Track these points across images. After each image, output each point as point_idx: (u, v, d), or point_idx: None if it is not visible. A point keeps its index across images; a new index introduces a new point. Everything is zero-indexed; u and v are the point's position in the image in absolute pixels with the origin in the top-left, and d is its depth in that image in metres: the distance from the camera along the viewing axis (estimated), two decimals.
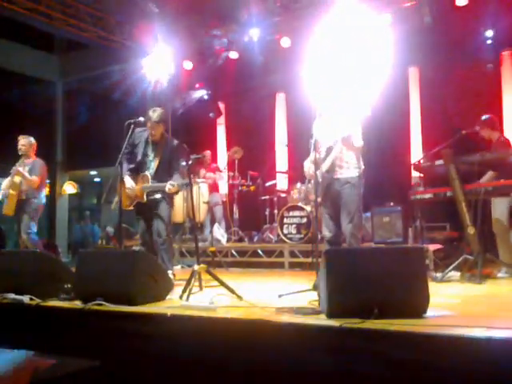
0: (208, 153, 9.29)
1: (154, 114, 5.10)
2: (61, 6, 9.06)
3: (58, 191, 13.81)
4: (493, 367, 2.27)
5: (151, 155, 5.20)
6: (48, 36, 12.01)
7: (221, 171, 9.22)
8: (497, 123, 5.74)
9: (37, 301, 3.75)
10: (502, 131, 5.81)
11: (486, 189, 5.08)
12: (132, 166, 5.22)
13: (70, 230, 14.91)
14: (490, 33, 8.02)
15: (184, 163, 4.63)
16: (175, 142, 5.25)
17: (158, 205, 5.11)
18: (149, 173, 5.14)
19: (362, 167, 4.53)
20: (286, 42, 9.13)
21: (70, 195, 14.45)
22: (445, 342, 2.41)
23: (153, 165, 5.17)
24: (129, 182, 5.11)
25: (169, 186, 4.85)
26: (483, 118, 5.66)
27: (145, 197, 5.07)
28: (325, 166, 4.44)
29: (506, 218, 5.41)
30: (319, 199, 4.33)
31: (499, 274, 5.22)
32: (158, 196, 5.10)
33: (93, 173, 16.10)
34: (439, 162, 5.26)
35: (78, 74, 13.45)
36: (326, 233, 4.57)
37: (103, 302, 3.48)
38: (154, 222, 5.12)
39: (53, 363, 2.63)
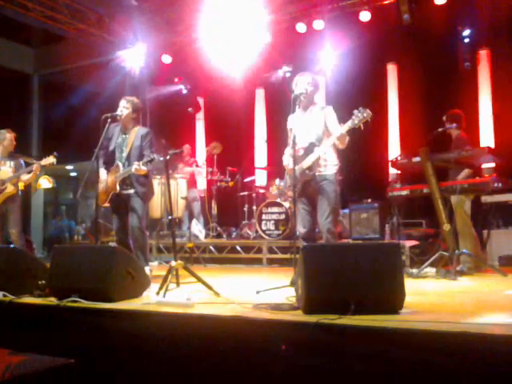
0: (187, 147, 9.26)
1: (127, 102, 5.18)
2: None
3: (33, 185, 13.59)
4: (468, 361, 2.30)
5: (123, 145, 5.18)
6: (24, 28, 11.77)
7: (199, 166, 9.18)
8: (458, 119, 5.76)
9: (10, 297, 3.70)
10: (463, 129, 5.83)
11: (462, 186, 5.14)
12: (107, 159, 5.21)
13: (46, 225, 14.70)
14: (467, 32, 8.10)
15: (161, 158, 4.59)
16: (145, 129, 5.26)
17: (132, 199, 5.07)
18: (121, 163, 5.11)
19: (339, 164, 4.56)
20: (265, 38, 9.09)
21: (45, 190, 14.21)
22: (421, 338, 2.43)
23: (124, 155, 5.16)
24: (103, 174, 5.12)
25: (135, 167, 4.83)
26: (448, 114, 5.76)
27: (117, 187, 5.02)
28: (306, 163, 4.44)
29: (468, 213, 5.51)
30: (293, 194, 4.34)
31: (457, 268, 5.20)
32: (131, 191, 5.07)
33: (69, 167, 15.85)
34: (416, 159, 5.31)
35: (54, 66, 13.24)
36: (301, 229, 4.56)
37: (78, 299, 3.44)
38: (129, 216, 5.07)
39: (25, 360, 2.59)
